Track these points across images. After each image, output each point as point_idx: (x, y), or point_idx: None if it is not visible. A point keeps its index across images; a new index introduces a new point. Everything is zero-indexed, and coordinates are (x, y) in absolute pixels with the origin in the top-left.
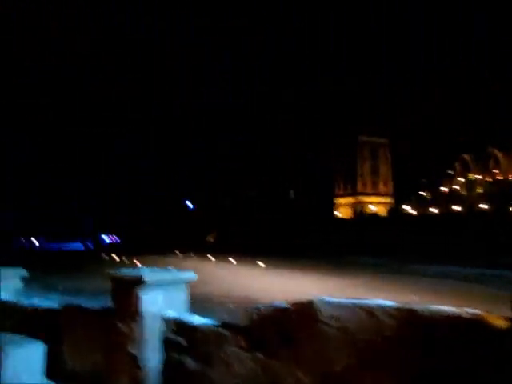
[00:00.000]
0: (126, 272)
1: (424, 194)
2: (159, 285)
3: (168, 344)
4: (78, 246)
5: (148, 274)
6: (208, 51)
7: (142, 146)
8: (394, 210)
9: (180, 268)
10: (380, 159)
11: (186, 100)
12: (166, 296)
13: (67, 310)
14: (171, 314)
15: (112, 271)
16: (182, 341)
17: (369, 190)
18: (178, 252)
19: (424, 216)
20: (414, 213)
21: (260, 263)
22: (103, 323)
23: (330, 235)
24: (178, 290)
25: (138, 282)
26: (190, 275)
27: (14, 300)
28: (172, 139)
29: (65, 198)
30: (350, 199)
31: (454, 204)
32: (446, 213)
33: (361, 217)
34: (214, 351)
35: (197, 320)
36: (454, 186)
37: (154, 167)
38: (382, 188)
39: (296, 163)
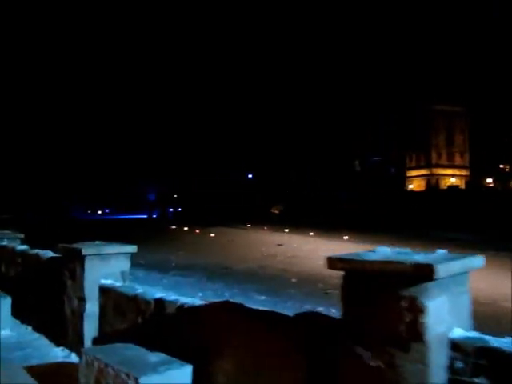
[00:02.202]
0: (378, 257)
1: (503, 166)
2: (445, 282)
3: None
4: (142, 215)
5: (439, 263)
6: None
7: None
8: (473, 183)
9: (282, 242)
10: (456, 129)
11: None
12: (450, 302)
13: (223, 310)
14: (465, 334)
15: (343, 256)
16: None
17: (444, 161)
18: (248, 224)
19: (505, 190)
20: (493, 186)
21: (344, 237)
22: (311, 345)
23: (405, 208)
24: (461, 291)
25: (422, 277)
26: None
27: (129, 290)
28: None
29: (131, 174)
30: (423, 171)
31: None
32: None
33: (437, 190)
34: None
35: None
36: None
37: (217, 139)
38: (458, 160)
39: (362, 132)
